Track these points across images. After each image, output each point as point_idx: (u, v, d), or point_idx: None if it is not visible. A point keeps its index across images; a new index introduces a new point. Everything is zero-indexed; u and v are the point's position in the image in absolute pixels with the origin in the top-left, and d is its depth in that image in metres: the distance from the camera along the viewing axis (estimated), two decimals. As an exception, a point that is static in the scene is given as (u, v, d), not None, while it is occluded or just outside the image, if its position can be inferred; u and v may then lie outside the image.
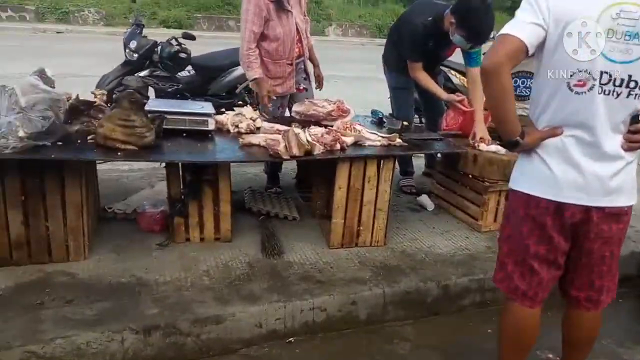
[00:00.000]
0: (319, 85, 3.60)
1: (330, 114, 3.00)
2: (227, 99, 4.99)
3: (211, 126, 2.71)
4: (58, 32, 13.24)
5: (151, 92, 4.78)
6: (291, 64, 3.28)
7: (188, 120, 2.66)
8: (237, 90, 4.94)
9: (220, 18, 16.19)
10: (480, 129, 3.19)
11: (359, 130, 2.88)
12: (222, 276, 2.37)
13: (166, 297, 2.16)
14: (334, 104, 3.06)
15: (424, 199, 3.50)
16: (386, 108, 3.85)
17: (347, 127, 2.89)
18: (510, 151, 1.77)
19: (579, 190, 1.64)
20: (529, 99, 3.41)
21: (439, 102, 3.77)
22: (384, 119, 3.37)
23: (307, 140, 2.57)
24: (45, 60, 8.52)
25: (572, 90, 1.58)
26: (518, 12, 1.60)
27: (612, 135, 1.60)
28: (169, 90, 4.70)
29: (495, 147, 3.15)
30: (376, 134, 2.88)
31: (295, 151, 2.49)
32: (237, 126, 2.86)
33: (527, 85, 3.45)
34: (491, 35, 3.07)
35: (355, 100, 3.90)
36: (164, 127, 2.55)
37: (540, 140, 1.68)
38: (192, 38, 4.74)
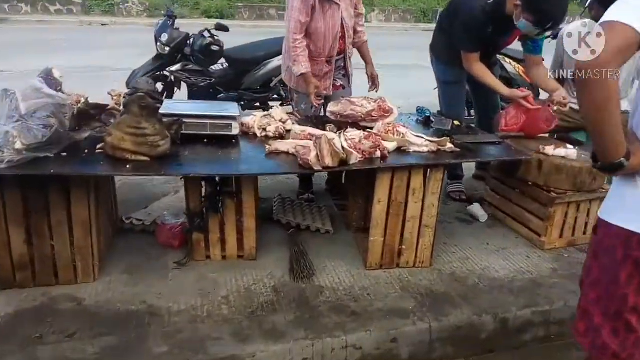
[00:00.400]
0: (374, 86, 3.20)
1: (370, 115, 2.63)
2: (262, 93, 4.71)
3: (235, 131, 2.41)
4: (103, 25, 13.40)
5: (183, 87, 4.59)
6: (330, 63, 2.95)
7: (209, 124, 2.37)
8: (272, 84, 4.65)
9: (262, 7, 15.97)
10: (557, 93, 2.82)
11: (402, 134, 2.51)
12: (243, 304, 2.09)
13: (178, 332, 1.89)
14: (375, 102, 2.69)
15: (476, 208, 3.09)
16: (431, 100, 3.42)
17: (389, 130, 2.52)
18: (609, 175, 1.36)
19: None
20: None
21: (495, 97, 3.32)
22: (432, 118, 2.98)
23: (343, 148, 2.23)
24: (88, 52, 8.58)
25: None
26: None
27: None
28: (202, 84, 4.46)
29: (564, 152, 2.70)
30: (423, 138, 2.50)
31: (329, 161, 2.15)
32: (264, 129, 2.55)
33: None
34: (564, 21, 2.60)
35: (396, 91, 3.52)
36: (182, 132, 2.29)
37: None
38: (226, 29, 4.47)
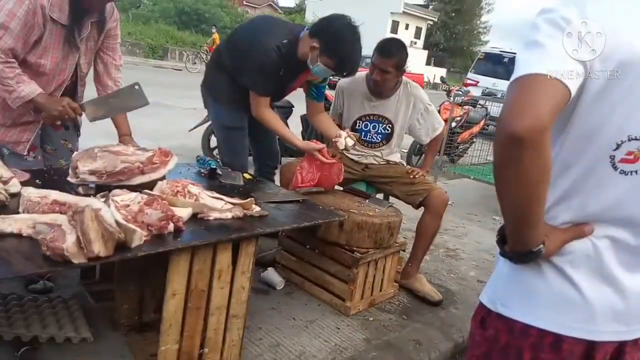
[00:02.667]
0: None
1: (151, 162, 1.89)
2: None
3: None
4: None
5: None
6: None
7: None
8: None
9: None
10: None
11: (196, 195, 1.89)
12: None
13: None
14: (150, 151, 1.97)
15: (271, 274, 2.65)
16: (184, 142, 2.88)
17: (178, 191, 1.86)
18: (519, 263, 1.09)
19: (617, 319, 1.05)
20: (379, 146, 3.12)
21: (274, 144, 3.01)
22: (219, 171, 2.43)
23: (118, 223, 1.47)
24: None
25: (616, 169, 0.98)
26: (540, 38, 0.91)
27: None
28: None
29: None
30: (223, 200, 1.93)
31: (99, 248, 1.36)
32: (-33, 196, 1.55)
33: (379, 131, 2.95)
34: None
35: (141, 132, 2.84)
36: None
37: (563, 244, 1.05)
38: None
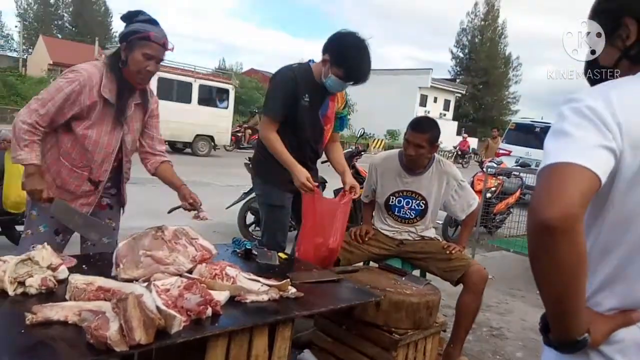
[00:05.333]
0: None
1: (194, 262, 1.95)
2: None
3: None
4: None
5: None
6: (95, 185, 2.31)
7: None
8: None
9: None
10: (349, 177, 2.77)
11: (233, 278, 1.92)
12: None
13: None
14: (185, 237, 2.01)
15: (307, 356, 2.58)
16: (218, 219, 2.91)
17: (216, 274, 1.90)
18: (565, 353, 1.04)
19: None
20: (414, 222, 3.13)
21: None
22: (254, 251, 2.47)
23: (159, 309, 1.51)
24: None
25: None
26: (567, 127, 0.94)
27: None
28: None
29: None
30: (259, 282, 1.95)
31: (140, 335, 1.39)
32: (22, 284, 1.62)
33: (412, 207, 2.97)
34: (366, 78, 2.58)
35: (141, 209, 2.93)
36: None
37: (611, 332, 1.01)
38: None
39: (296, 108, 2.61)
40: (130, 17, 2.21)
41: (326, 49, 2.56)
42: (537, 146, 10.71)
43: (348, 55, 2.50)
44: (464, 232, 3.14)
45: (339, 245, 2.70)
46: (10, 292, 1.60)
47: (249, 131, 17.69)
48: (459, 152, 23.56)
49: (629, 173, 0.94)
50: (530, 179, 7.01)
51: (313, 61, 2.70)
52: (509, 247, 5.19)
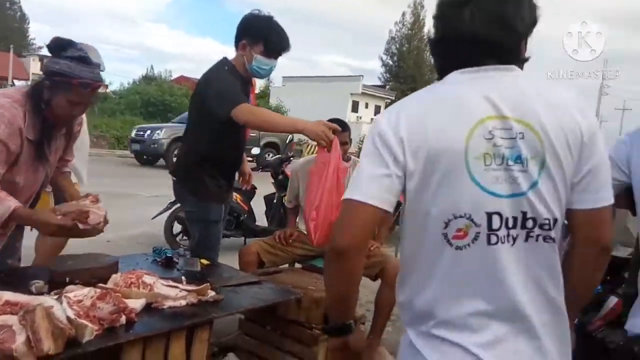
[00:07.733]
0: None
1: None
2: None
3: None
4: None
5: None
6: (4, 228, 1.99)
7: None
8: None
9: None
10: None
11: (150, 285, 1.94)
12: None
13: None
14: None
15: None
16: (148, 230, 2.92)
17: (131, 283, 1.92)
18: (337, 337, 1.30)
19: None
20: None
21: None
22: (175, 259, 2.49)
23: (69, 320, 1.51)
24: None
25: (451, 245, 1.10)
26: (362, 158, 1.16)
27: None
28: None
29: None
30: (178, 287, 1.99)
31: (49, 346, 1.39)
32: None
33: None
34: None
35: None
36: None
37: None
38: None
39: None
40: (57, 49, 1.89)
41: (240, 35, 2.56)
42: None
43: (262, 27, 2.54)
44: (380, 230, 3.32)
45: None
46: None
47: None
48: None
49: (415, 181, 1.10)
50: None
51: (226, 58, 2.65)
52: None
